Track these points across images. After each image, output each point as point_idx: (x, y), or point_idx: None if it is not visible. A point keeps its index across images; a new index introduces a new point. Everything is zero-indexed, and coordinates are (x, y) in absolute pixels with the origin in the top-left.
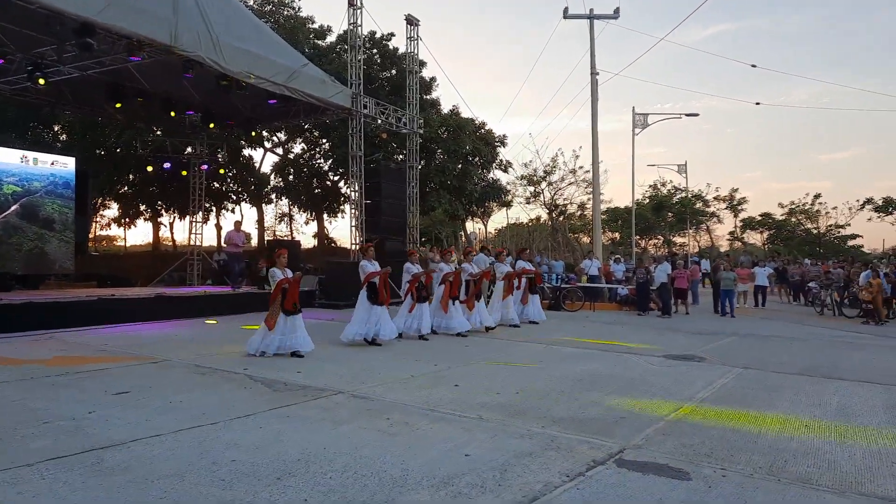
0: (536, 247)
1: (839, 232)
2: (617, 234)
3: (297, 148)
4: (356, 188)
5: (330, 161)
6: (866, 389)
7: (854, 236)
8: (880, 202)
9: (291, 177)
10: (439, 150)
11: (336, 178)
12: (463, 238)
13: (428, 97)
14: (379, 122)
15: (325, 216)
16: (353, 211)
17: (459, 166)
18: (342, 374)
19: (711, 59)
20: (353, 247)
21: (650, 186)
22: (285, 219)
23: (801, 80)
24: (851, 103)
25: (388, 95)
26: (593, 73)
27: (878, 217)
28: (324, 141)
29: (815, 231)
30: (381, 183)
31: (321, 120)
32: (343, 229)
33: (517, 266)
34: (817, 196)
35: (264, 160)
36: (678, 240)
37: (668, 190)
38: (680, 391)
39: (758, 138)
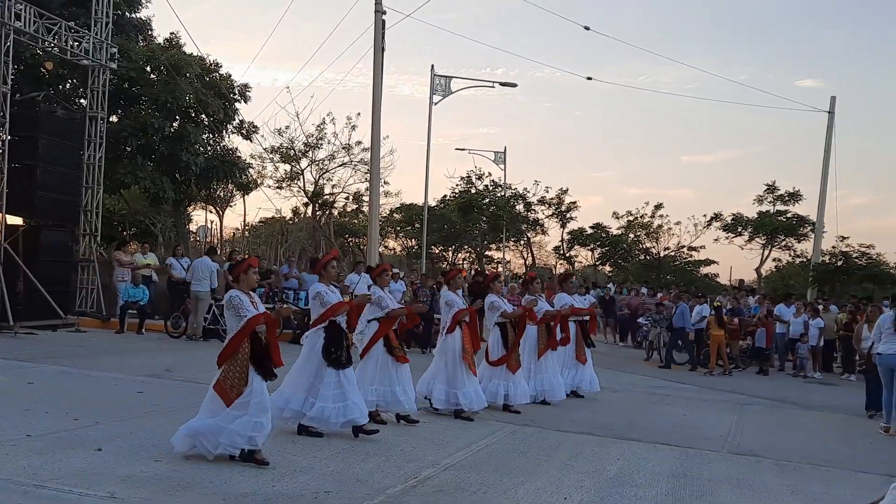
0: (285, 252)
1: (691, 255)
2: (413, 240)
3: None
4: None
5: None
6: (660, 453)
7: (708, 262)
8: (729, 219)
9: None
10: (145, 99)
11: None
12: (193, 236)
13: (133, 15)
14: (45, 43)
15: None
16: None
17: (175, 125)
18: None
19: (549, 20)
20: None
21: (462, 179)
22: None
23: (666, 61)
24: (722, 93)
25: (67, 6)
26: (378, 11)
27: (727, 238)
28: None
29: (655, 252)
30: (40, 139)
31: None
32: None
33: (556, 302)
34: (658, 207)
35: None
36: (497, 254)
37: (486, 185)
38: (425, 454)
39: (614, 128)
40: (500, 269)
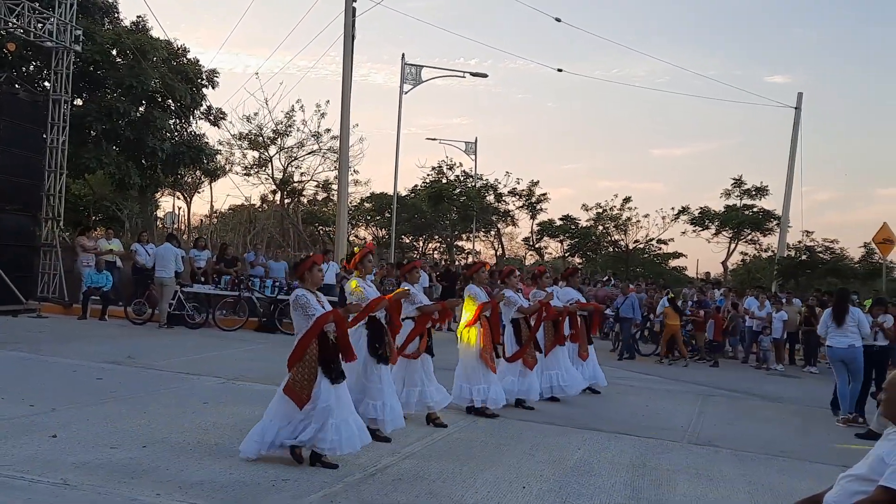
0: (252, 239)
1: (660, 248)
2: (384, 230)
3: None
4: None
5: None
6: (621, 442)
7: (677, 255)
8: (697, 213)
9: None
10: (110, 82)
11: None
12: (160, 223)
13: None
14: (8, 24)
15: None
16: None
17: (141, 109)
18: None
19: (522, 11)
20: None
21: (433, 169)
22: None
23: (638, 54)
24: (693, 87)
25: None
26: None
27: (694, 231)
28: None
29: (623, 244)
30: (2, 121)
31: None
32: None
33: (563, 296)
34: (627, 200)
35: None
36: (467, 245)
37: (457, 176)
38: (386, 443)
39: (585, 120)
40: (471, 259)
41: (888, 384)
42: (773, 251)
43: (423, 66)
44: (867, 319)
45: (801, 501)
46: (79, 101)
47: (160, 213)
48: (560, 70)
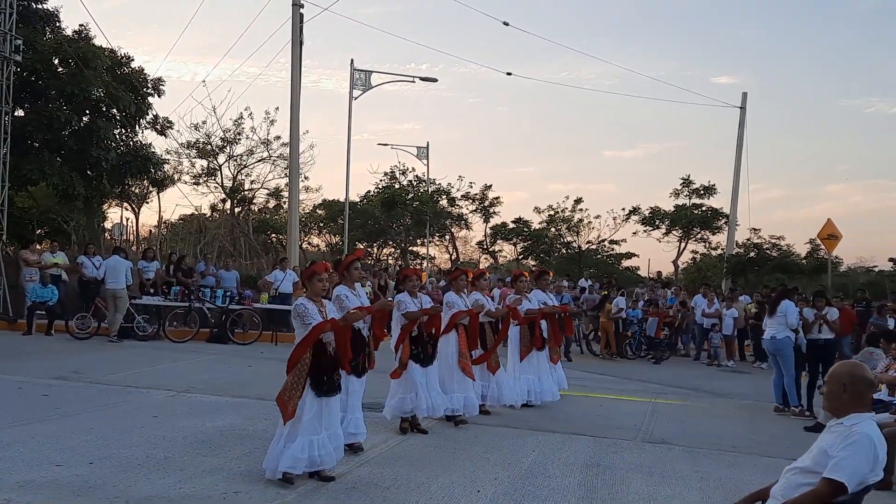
0: (202, 249)
1: (612, 249)
2: (337, 237)
3: None
4: None
5: None
6: (575, 443)
7: (629, 255)
8: (647, 213)
9: None
10: (52, 92)
11: None
12: (108, 234)
13: (39, 6)
14: None
15: None
16: None
17: (85, 119)
18: None
19: (471, 16)
20: None
21: (385, 174)
22: None
23: (588, 57)
24: (642, 89)
25: None
26: (295, 4)
27: (645, 231)
28: None
29: (576, 245)
30: None
31: None
32: None
33: (533, 299)
34: (578, 201)
35: None
36: (421, 250)
37: (410, 181)
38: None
39: (537, 124)
40: (426, 264)
41: (829, 377)
42: (722, 249)
43: (372, 72)
44: (796, 311)
45: (749, 495)
46: (20, 112)
47: (108, 225)
48: (510, 74)
